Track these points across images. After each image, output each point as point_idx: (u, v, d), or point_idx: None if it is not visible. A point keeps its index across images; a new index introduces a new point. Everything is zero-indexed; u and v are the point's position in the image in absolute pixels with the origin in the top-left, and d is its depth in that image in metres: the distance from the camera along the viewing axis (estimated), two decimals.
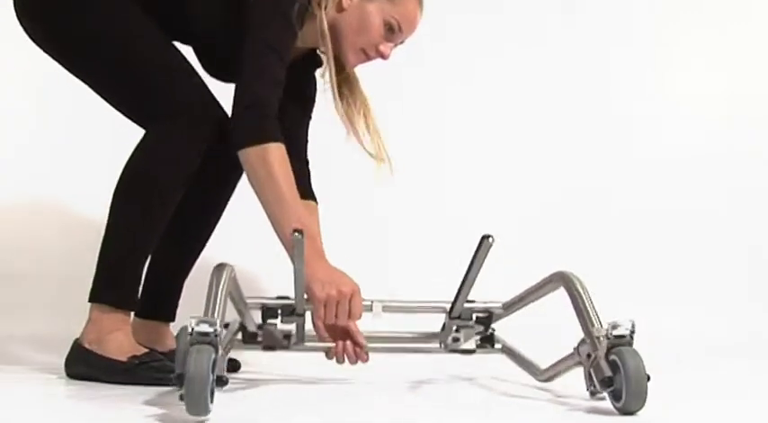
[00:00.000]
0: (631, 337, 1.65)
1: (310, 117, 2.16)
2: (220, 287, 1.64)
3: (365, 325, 1.97)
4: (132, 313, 2.00)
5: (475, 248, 1.78)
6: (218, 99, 2.00)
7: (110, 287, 1.94)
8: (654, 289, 2.99)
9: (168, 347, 2.11)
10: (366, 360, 1.97)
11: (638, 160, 3.22)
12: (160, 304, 2.13)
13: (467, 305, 1.99)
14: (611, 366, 1.64)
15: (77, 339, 1.95)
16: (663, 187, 3.21)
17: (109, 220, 1.95)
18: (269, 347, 1.98)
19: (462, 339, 2.03)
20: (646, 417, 1.66)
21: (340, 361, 1.97)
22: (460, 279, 1.90)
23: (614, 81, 3.26)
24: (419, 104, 3.11)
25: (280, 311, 1.93)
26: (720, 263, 3.15)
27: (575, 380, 1.82)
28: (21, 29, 2.03)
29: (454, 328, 2.04)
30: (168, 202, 1.95)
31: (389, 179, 2.05)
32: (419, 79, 3.11)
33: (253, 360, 2.17)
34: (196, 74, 2.01)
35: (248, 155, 1.84)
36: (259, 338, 1.99)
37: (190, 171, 1.95)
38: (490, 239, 1.75)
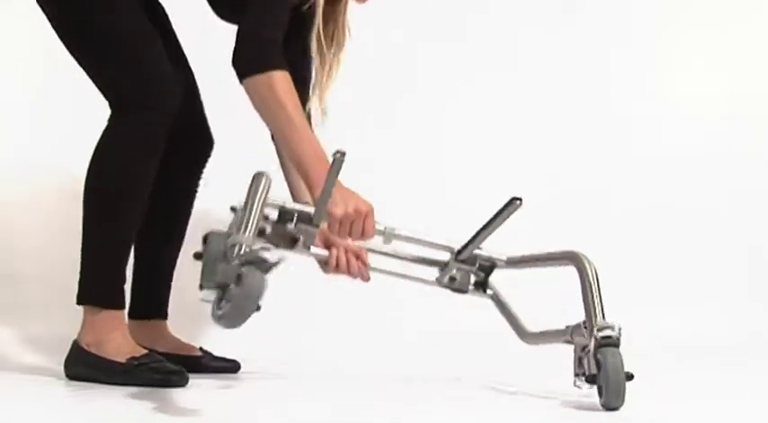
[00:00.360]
0: (617, 339, 1.71)
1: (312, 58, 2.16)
2: (257, 198, 1.65)
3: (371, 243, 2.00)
4: (126, 312, 2.01)
5: (501, 206, 1.85)
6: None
7: (95, 287, 1.96)
8: (654, 289, 2.99)
9: (168, 346, 2.11)
10: (367, 279, 2.00)
11: (638, 160, 3.21)
12: (154, 302, 2.15)
13: (473, 250, 2.01)
14: (597, 364, 1.71)
15: (76, 340, 1.95)
16: (663, 187, 3.20)
17: (84, 218, 1.97)
18: (274, 244, 2.00)
19: (458, 279, 2.06)
20: (645, 416, 1.67)
21: (342, 270, 1.98)
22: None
23: (614, 81, 3.26)
24: (424, 103, 3.11)
25: (296, 216, 1.92)
26: (720, 263, 3.14)
27: (570, 378, 1.82)
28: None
29: (455, 269, 2.05)
30: (142, 192, 1.97)
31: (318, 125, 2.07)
32: (423, 79, 3.12)
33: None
34: (168, 62, 2.03)
35: (254, 83, 1.87)
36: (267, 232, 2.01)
37: (158, 159, 1.98)
38: (518, 202, 1.83)
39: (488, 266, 2.06)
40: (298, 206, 1.93)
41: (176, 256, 2.16)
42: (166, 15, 2.14)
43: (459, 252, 2.02)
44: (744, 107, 3.30)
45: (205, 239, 1.53)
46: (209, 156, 2.19)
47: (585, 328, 1.79)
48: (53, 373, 1.97)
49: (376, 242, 1.98)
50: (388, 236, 1.97)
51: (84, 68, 2.01)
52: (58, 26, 2.00)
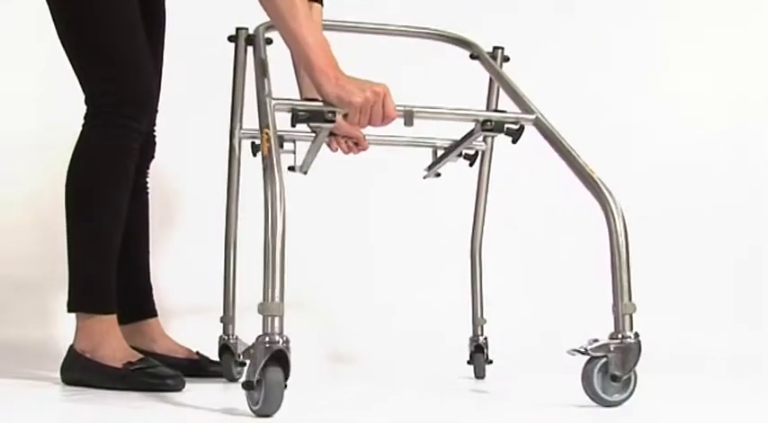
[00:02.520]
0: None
1: None
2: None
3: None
4: (115, 314, 2.01)
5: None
6: None
7: (83, 294, 1.97)
8: (652, 293, 2.98)
9: (165, 349, 2.11)
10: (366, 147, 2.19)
11: (637, 162, 3.21)
12: (140, 302, 2.17)
13: (499, 115, 1.96)
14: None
15: (72, 346, 1.95)
16: (662, 188, 3.20)
17: (68, 226, 1.99)
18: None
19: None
20: (645, 416, 1.66)
21: (345, 151, 2.18)
22: None
23: (614, 81, 3.25)
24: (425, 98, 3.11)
25: (308, 116, 1.86)
26: (721, 264, 3.14)
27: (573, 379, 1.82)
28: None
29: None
30: (122, 197, 1.99)
31: None
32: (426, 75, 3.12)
33: None
34: (149, 67, 2.03)
35: None
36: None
37: (134, 162, 2.01)
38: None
39: (516, 130, 1.97)
40: (308, 105, 1.86)
41: (147, 253, 2.20)
42: (163, 17, 2.15)
43: (486, 121, 1.94)
44: (744, 107, 3.30)
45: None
46: (153, 156, 2.22)
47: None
48: (49, 378, 1.97)
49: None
50: (409, 115, 1.89)
51: (72, 62, 2.01)
52: (58, 17, 2.00)
